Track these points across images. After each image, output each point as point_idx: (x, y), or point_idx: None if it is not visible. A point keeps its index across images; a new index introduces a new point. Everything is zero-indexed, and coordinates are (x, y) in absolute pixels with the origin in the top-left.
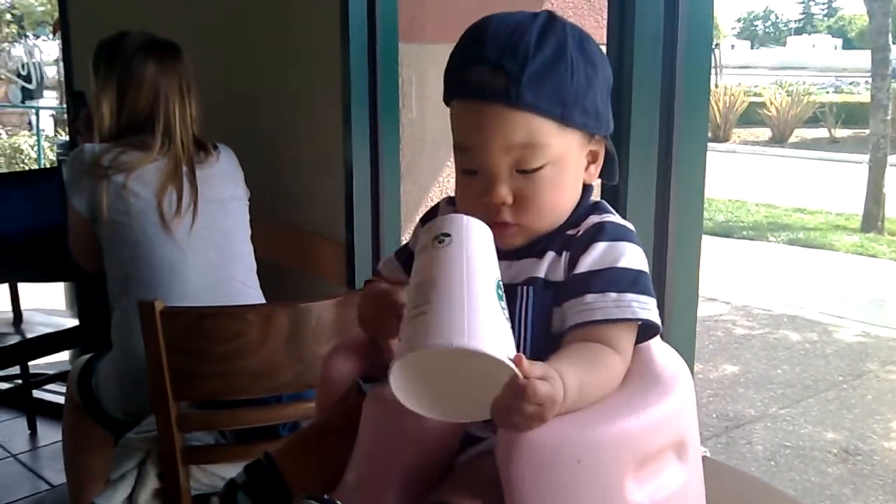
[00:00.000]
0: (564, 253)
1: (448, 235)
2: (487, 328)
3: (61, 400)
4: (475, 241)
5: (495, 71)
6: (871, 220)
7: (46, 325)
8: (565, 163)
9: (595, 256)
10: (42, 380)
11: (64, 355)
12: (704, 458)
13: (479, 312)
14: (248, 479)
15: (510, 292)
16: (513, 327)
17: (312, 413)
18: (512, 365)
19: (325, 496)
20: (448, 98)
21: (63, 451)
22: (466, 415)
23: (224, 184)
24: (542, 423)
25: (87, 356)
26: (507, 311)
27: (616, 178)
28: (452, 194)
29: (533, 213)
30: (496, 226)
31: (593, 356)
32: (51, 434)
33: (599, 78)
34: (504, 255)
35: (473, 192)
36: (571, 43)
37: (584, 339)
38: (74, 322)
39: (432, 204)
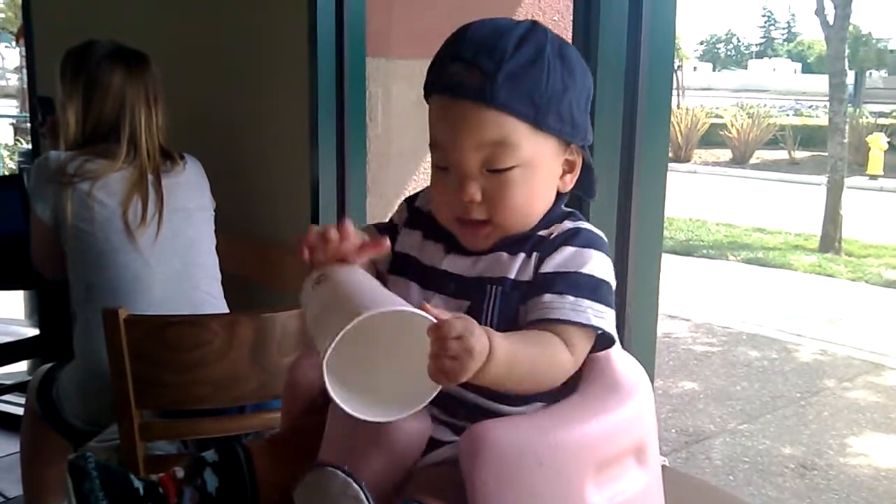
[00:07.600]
0: (534, 253)
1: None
2: (386, 296)
3: (18, 411)
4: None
5: (471, 68)
6: (829, 240)
7: (5, 335)
8: (536, 167)
9: (562, 259)
10: None
11: (21, 365)
12: (664, 467)
13: (372, 291)
14: (220, 460)
15: (478, 287)
16: (479, 323)
17: (276, 423)
18: (422, 312)
19: (345, 468)
20: (426, 94)
21: (20, 462)
22: (416, 402)
23: (190, 193)
24: (468, 367)
25: (48, 365)
26: None
27: (594, 193)
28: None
29: (501, 210)
30: (468, 223)
31: (537, 337)
32: (7, 445)
33: (577, 85)
34: (472, 251)
35: (445, 189)
36: (550, 49)
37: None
38: (33, 332)
39: None
